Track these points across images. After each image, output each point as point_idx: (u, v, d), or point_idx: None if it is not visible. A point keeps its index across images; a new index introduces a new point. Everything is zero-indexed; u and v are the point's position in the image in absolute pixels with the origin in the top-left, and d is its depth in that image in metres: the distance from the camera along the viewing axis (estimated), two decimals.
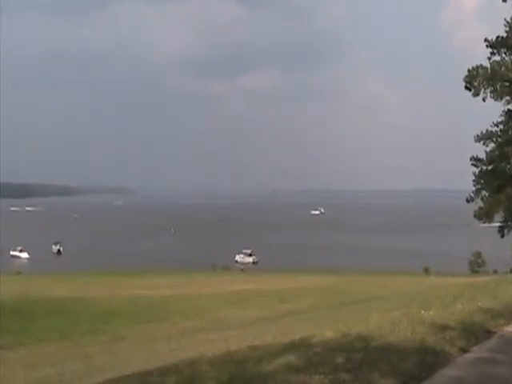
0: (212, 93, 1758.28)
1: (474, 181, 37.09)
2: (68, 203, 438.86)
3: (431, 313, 14.45)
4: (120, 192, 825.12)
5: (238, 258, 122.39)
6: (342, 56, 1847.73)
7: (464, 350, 11.19)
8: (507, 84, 33.31)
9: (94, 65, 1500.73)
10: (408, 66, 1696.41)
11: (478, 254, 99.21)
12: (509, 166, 35.82)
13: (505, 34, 34.17)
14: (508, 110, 35.48)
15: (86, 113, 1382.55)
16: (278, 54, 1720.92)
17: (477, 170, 36.92)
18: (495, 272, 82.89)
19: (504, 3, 33.25)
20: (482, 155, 36.56)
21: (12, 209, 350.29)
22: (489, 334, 12.81)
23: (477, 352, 11.20)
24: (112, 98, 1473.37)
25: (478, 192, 37.26)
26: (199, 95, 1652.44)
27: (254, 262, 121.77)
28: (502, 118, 35.95)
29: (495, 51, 34.29)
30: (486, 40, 34.28)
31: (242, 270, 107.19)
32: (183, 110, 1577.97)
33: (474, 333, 12.48)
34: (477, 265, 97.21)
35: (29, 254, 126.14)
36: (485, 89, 33.64)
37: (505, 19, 34.30)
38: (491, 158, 36.32)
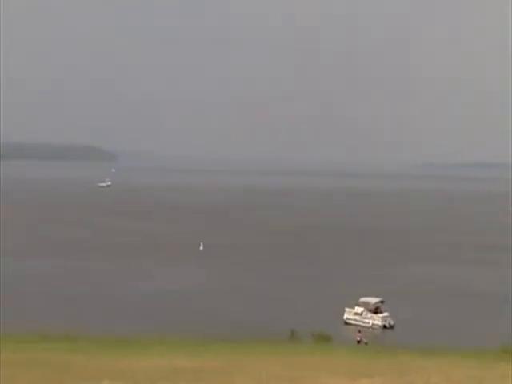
0: None
1: None
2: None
3: None
4: (101, 158, 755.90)
5: (351, 314, 76.27)
6: None
7: None
8: None
9: None
10: None
11: None
12: None
13: None
14: None
15: None
16: None
17: None
18: None
19: None
20: None
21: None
22: None
23: None
24: None
25: None
26: None
27: (386, 326, 74.82)
28: None
29: None
30: None
31: (359, 341, 62.36)
32: None
33: None
34: None
35: None
36: None
37: None
38: None
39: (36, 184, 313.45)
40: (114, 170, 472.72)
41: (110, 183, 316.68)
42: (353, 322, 76.03)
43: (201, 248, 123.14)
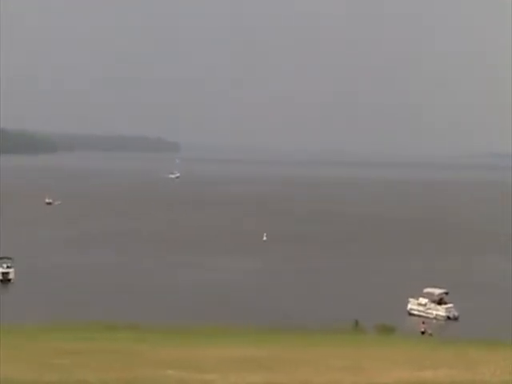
0: None
1: None
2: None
3: None
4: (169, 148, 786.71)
5: (415, 305, 75.44)
6: None
7: None
8: None
9: None
10: None
11: None
12: None
13: None
14: None
15: None
16: None
17: None
18: None
19: None
20: None
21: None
22: None
23: None
24: None
25: None
26: None
27: (450, 318, 73.85)
28: None
29: None
30: None
31: (423, 332, 61.70)
32: None
33: None
34: None
35: None
36: None
37: None
38: None
39: (107, 175, 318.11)
40: (178, 161, 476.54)
41: (178, 175, 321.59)
42: (416, 312, 75.35)
43: (264, 239, 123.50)
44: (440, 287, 78.54)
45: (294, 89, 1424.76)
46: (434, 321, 72.94)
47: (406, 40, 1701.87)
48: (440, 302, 76.50)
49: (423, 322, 66.76)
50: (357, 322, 57.67)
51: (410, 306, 76.70)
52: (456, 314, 75.04)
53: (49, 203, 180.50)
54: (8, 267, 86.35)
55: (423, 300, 76.61)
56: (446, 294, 77.14)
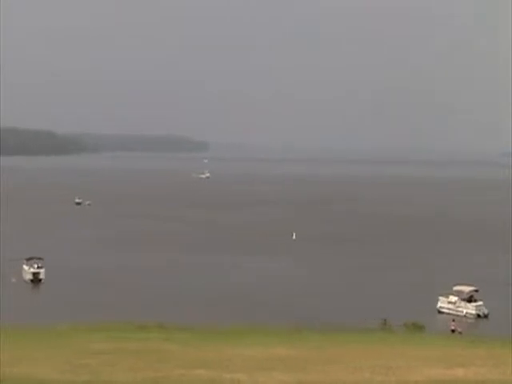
0: None
1: None
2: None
3: None
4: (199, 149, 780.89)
5: (445, 303, 75.08)
6: None
7: None
8: None
9: None
10: None
11: None
12: None
13: None
14: None
15: None
16: None
17: None
18: None
19: None
20: None
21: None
22: None
23: None
24: None
25: None
26: None
27: (480, 315, 73.34)
28: None
29: None
30: None
31: (453, 330, 61.18)
32: None
33: None
34: None
35: None
36: None
37: None
38: None
39: (136, 175, 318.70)
40: (206, 161, 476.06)
41: (209, 175, 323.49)
42: (446, 310, 74.87)
43: (293, 238, 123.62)
44: (469, 285, 78.13)
45: (314, 88, 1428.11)
46: (464, 319, 72.44)
47: (411, 37, 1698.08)
48: (470, 300, 75.85)
49: (453, 320, 66.21)
50: (385, 321, 57.42)
51: (439, 304, 76.17)
52: (486, 311, 74.42)
53: (78, 203, 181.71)
54: (39, 267, 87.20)
55: (453, 298, 76.02)
56: (476, 291, 76.51)
